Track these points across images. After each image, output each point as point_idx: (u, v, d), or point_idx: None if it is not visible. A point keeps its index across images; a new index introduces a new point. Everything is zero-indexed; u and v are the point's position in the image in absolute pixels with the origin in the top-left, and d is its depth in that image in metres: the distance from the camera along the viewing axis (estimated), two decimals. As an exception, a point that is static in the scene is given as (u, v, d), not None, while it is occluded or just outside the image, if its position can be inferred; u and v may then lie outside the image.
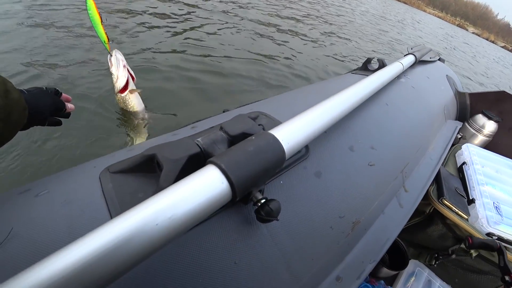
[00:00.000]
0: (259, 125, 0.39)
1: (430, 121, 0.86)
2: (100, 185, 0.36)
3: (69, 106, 0.56)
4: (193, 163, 0.31)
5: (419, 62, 1.19)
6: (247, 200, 0.31)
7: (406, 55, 1.11)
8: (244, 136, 0.35)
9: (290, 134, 0.32)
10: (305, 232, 0.37)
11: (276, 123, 0.44)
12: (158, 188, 0.31)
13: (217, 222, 0.32)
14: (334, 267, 0.38)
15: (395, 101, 0.76)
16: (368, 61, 0.98)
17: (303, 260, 0.35)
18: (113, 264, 0.19)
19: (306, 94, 0.70)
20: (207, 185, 0.24)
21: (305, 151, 0.43)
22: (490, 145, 1.20)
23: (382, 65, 0.92)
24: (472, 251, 0.74)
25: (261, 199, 0.30)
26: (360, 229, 0.44)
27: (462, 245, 0.76)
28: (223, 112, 0.67)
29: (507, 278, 0.63)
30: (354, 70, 1.04)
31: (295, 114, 0.40)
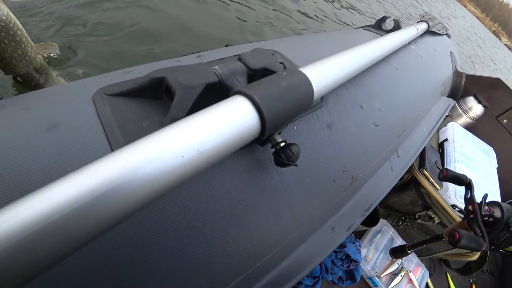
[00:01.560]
0: (280, 62, 0.35)
1: (429, 93, 0.86)
2: (95, 108, 0.31)
3: None
4: (210, 93, 0.28)
5: (429, 32, 1.15)
6: (265, 142, 0.29)
7: (419, 21, 1.06)
8: (265, 71, 0.32)
9: (320, 76, 0.29)
10: (311, 182, 0.37)
11: (294, 65, 0.41)
12: (169, 117, 0.28)
13: (232, 160, 0.30)
14: (329, 217, 0.40)
15: (404, 66, 0.74)
16: (383, 19, 0.92)
17: (306, 209, 0.36)
18: (126, 202, 0.16)
19: (322, 41, 0.65)
20: (236, 118, 0.21)
21: (320, 100, 0.41)
22: (471, 127, 1.26)
23: (397, 27, 0.87)
24: (435, 217, 0.82)
25: (281, 142, 0.28)
26: (356, 186, 0.45)
27: (429, 212, 0.83)
28: (226, 46, 0.61)
29: (470, 207, 0.63)
30: (366, 26, 0.98)
31: (311, 60, 0.36)
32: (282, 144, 0.27)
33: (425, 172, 0.79)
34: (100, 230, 0.15)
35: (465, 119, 1.19)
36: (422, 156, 0.85)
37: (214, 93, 0.29)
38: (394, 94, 0.62)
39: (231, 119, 0.21)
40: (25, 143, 0.26)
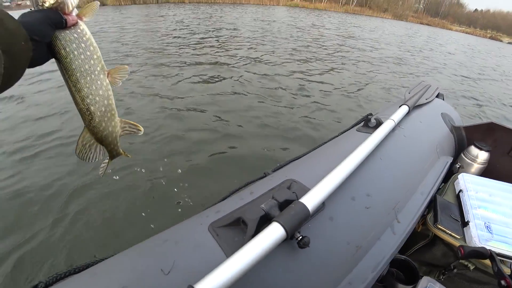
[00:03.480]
0: (293, 192, 0.69)
1: (420, 163, 1.10)
2: (210, 234, 0.66)
3: (70, 18, 0.49)
4: (262, 219, 0.62)
5: (414, 107, 1.43)
6: (292, 237, 0.60)
7: (401, 105, 1.33)
8: (286, 202, 0.65)
9: (313, 199, 0.62)
10: (327, 254, 0.64)
11: (304, 188, 0.74)
12: (247, 236, 0.61)
13: (278, 249, 0.60)
14: (345, 276, 0.64)
15: (388, 153, 1.02)
16: (368, 119, 1.22)
17: (327, 273, 0.62)
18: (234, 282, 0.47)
19: (322, 157, 1.00)
20: (276, 234, 0.53)
21: (322, 205, 0.72)
22: (489, 169, 1.39)
23: (378, 123, 1.16)
24: (469, 264, 0.94)
25: (299, 236, 0.58)
26: (362, 251, 0.69)
27: (461, 260, 0.95)
28: (264, 174, 0.98)
29: (503, 282, 0.70)
30: (358, 125, 1.30)
31: (315, 177, 0.69)
32: (300, 237, 0.58)
33: (439, 226, 0.97)
34: None
35: (476, 166, 1.35)
36: (435, 212, 1.03)
37: (264, 218, 0.62)
38: (380, 179, 0.90)
39: (275, 234, 0.54)
40: (187, 258, 0.61)
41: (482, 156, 1.34)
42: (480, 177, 1.26)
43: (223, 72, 4.89)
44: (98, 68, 0.56)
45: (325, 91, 4.41)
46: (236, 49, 6.76)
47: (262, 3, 31.92)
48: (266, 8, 24.82)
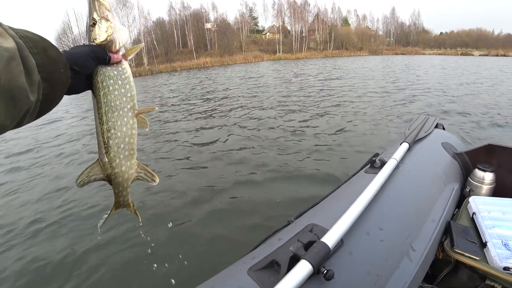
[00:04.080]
0: (314, 234, 0.83)
1: (427, 193, 1.21)
2: (249, 276, 0.80)
3: (115, 56, 0.52)
4: (292, 259, 0.76)
5: (415, 141, 1.57)
6: (318, 272, 0.73)
7: (401, 142, 1.47)
8: (310, 242, 0.79)
9: (332, 237, 0.76)
10: (351, 284, 0.75)
11: (324, 229, 0.88)
12: (281, 274, 0.74)
13: (306, 285, 0.72)
14: None
15: (395, 189, 1.15)
16: (373, 161, 1.35)
17: None
18: None
19: (336, 200, 1.14)
20: (305, 269, 0.67)
21: (341, 242, 0.85)
22: (498, 188, 1.45)
23: (382, 164, 1.28)
24: (496, 284, 0.98)
25: (324, 270, 0.71)
26: (383, 280, 0.80)
27: (487, 281, 1.00)
28: (288, 222, 1.13)
29: None
30: (365, 167, 1.40)
31: (332, 219, 0.84)
32: (325, 271, 0.71)
33: (457, 250, 1.04)
34: None
35: (485, 187, 1.43)
36: (451, 237, 1.11)
37: (294, 259, 0.76)
38: (390, 215, 1.02)
39: (303, 270, 0.68)
40: None
41: (488, 177, 1.42)
42: (490, 197, 1.34)
43: (218, 130, 5.30)
44: (128, 106, 0.57)
45: (326, 134, 4.66)
46: (231, 107, 7.33)
47: (248, 61, 34.78)
48: (252, 66, 26.54)
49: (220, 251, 2.09)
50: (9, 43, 0.35)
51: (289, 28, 46.51)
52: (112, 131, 0.55)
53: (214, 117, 6.47)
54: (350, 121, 5.33)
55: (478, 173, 1.45)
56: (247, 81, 13.17)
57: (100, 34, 0.50)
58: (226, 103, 8.10)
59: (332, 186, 1.34)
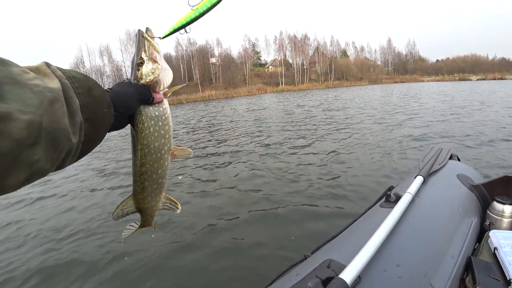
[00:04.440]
0: (332, 270, 0.81)
1: (444, 227, 1.19)
2: None
3: (158, 96, 0.52)
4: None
5: (429, 174, 1.53)
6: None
7: (416, 176, 1.43)
8: (328, 279, 0.77)
9: (349, 274, 0.75)
10: None
11: (341, 265, 0.86)
12: None
13: None
14: None
15: (411, 224, 1.13)
16: (388, 195, 1.34)
17: None
18: None
19: (352, 235, 1.13)
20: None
21: (358, 278, 0.83)
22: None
23: (397, 198, 1.27)
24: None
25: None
26: None
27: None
28: (304, 257, 1.10)
29: None
30: (380, 200, 1.40)
31: (349, 254, 0.82)
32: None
33: (478, 287, 0.99)
34: None
35: (506, 220, 1.39)
36: (473, 274, 1.06)
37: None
38: (407, 251, 1.00)
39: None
40: None
41: (507, 209, 1.39)
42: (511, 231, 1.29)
43: (227, 163, 5.32)
44: (166, 148, 0.57)
45: (333, 163, 4.70)
46: (236, 140, 7.40)
47: (252, 93, 35.91)
48: (256, 98, 27.09)
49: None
50: (54, 84, 0.35)
51: (290, 61, 48.86)
52: (149, 173, 0.56)
53: (220, 147, 6.60)
54: (354, 152, 5.36)
55: (497, 205, 1.42)
56: (252, 113, 13.57)
57: (147, 75, 0.50)
58: (230, 134, 8.29)
59: (345, 219, 1.33)
